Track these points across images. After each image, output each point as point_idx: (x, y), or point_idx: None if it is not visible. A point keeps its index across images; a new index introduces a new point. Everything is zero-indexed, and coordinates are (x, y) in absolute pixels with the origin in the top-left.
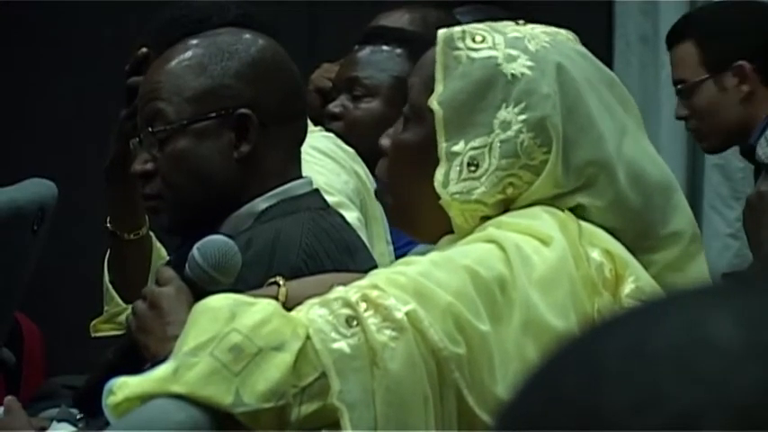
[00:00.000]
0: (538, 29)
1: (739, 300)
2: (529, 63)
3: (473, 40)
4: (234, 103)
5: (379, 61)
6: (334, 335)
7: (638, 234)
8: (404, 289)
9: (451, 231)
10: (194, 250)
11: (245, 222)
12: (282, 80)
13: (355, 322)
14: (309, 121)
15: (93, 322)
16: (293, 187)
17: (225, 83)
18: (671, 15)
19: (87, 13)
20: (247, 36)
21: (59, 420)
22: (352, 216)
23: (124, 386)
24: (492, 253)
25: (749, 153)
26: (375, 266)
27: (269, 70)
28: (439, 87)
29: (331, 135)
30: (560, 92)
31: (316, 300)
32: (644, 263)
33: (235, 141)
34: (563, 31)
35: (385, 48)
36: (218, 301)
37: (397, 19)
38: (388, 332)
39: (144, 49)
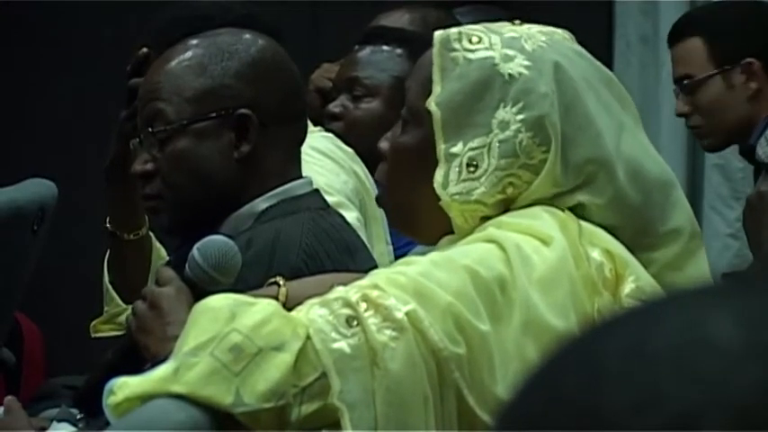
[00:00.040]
0: (534, 28)
1: (739, 300)
2: (526, 63)
3: (470, 41)
4: (234, 103)
5: (379, 61)
6: (334, 335)
7: (638, 231)
8: (404, 289)
9: (452, 232)
10: (194, 250)
11: (245, 222)
12: (282, 80)
13: (355, 322)
14: (309, 121)
15: (93, 323)
16: (293, 187)
17: (225, 83)
18: (671, 15)
19: (87, 13)
20: (247, 36)
21: (59, 420)
22: (351, 216)
23: (124, 386)
24: (492, 253)
25: (749, 153)
26: (375, 266)
27: (269, 70)
28: (436, 89)
29: (330, 135)
30: (558, 91)
31: (316, 300)
32: (644, 261)
33: (235, 141)
34: (559, 31)
35: (385, 48)
36: (219, 302)
37: (397, 19)
38: (388, 332)
39: (145, 50)
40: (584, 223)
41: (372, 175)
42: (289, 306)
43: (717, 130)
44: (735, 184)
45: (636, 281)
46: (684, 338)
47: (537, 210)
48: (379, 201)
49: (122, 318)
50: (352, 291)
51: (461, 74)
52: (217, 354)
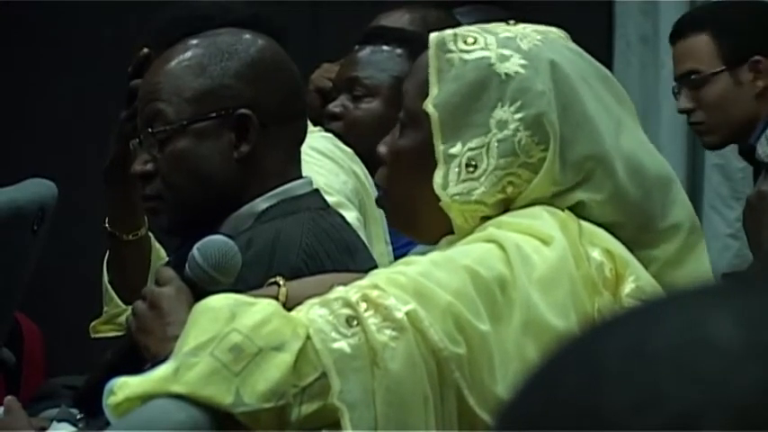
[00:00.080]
0: (529, 28)
1: (739, 300)
2: (522, 62)
3: (465, 43)
4: (234, 103)
5: (379, 61)
6: (334, 335)
7: (639, 228)
8: (404, 289)
9: (452, 233)
10: (194, 250)
11: (245, 222)
12: (282, 80)
13: (355, 322)
14: (309, 121)
15: (93, 323)
16: (293, 187)
17: (224, 83)
18: (671, 15)
19: (87, 13)
20: (247, 36)
21: (59, 420)
22: (351, 216)
23: (125, 386)
24: (492, 253)
25: (749, 153)
26: (375, 266)
27: (268, 70)
28: (433, 90)
29: (329, 135)
30: (555, 89)
31: (316, 300)
32: (644, 259)
33: (235, 141)
34: (554, 30)
35: (385, 48)
36: (219, 302)
37: (397, 19)
38: (388, 332)
39: (146, 50)
40: (584, 223)
41: (372, 175)
42: (289, 306)
43: (721, 127)
44: (735, 184)
45: (636, 280)
46: (684, 338)
47: (537, 210)
48: (378, 202)
49: (122, 318)
50: (352, 291)
51: (458, 75)
52: (217, 354)
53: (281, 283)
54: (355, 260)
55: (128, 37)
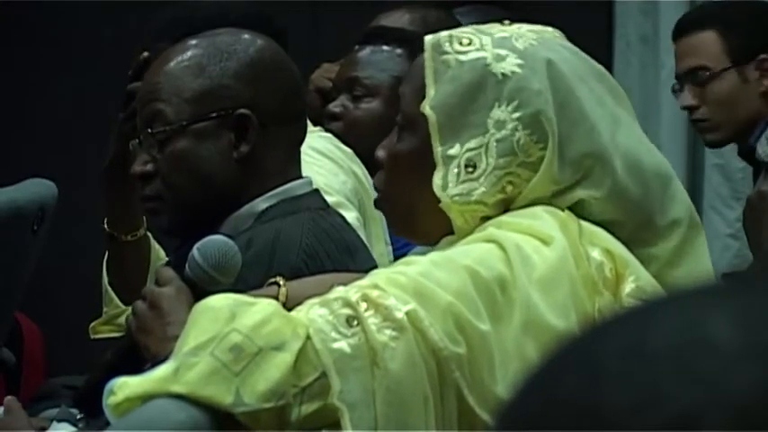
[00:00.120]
0: (524, 28)
1: (739, 300)
2: (518, 61)
3: (460, 44)
4: (233, 103)
5: (379, 61)
6: (334, 335)
7: (638, 225)
8: (404, 289)
9: (452, 234)
10: (194, 250)
11: (245, 222)
12: (282, 80)
13: (356, 322)
14: (309, 121)
15: (93, 324)
16: (293, 187)
17: (224, 83)
18: (671, 15)
19: (87, 13)
20: (246, 36)
21: (59, 420)
22: (350, 216)
23: (125, 386)
24: (492, 253)
25: (748, 153)
26: (375, 266)
27: (268, 70)
28: (430, 92)
29: (329, 135)
30: (552, 87)
31: (316, 300)
32: (644, 258)
33: (234, 142)
34: (549, 29)
35: (385, 48)
36: (219, 301)
37: (397, 19)
38: (388, 332)
39: (145, 54)
40: (584, 223)
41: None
42: (289, 306)
43: (724, 125)
44: (735, 184)
45: (636, 280)
46: (684, 338)
47: (537, 210)
48: (377, 205)
49: (121, 319)
50: (352, 291)
51: (454, 76)
52: (217, 354)
53: (281, 283)
54: (355, 260)
55: (128, 37)
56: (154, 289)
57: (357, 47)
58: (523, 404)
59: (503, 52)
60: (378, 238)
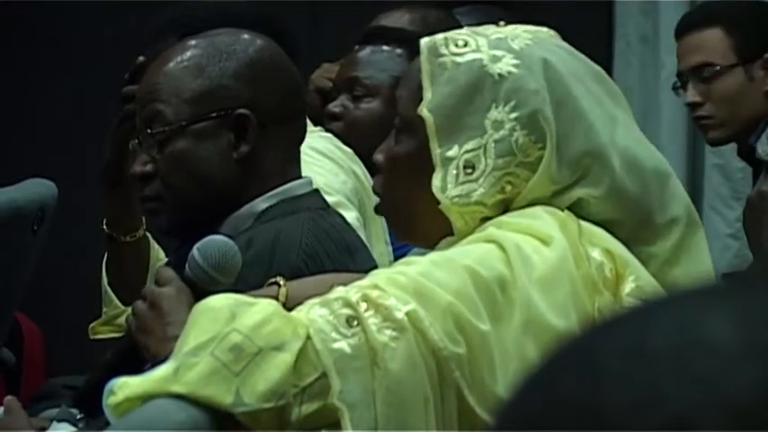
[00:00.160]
0: (519, 28)
1: (738, 300)
2: (514, 61)
3: (456, 46)
4: (232, 103)
5: (379, 61)
6: (334, 335)
7: (638, 223)
8: (404, 289)
9: (451, 236)
10: (194, 250)
11: (245, 222)
12: (281, 80)
13: (356, 322)
14: (309, 121)
15: (92, 325)
16: (293, 187)
17: (223, 83)
18: (671, 15)
19: (87, 13)
20: (245, 36)
21: (59, 420)
22: (350, 216)
23: (125, 386)
24: (492, 253)
25: (748, 154)
26: (375, 266)
27: (267, 70)
28: (427, 95)
29: (329, 135)
30: (548, 87)
31: (316, 300)
32: (644, 256)
33: (234, 142)
34: (544, 29)
35: (385, 48)
36: (219, 302)
37: (397, 19)
38: (388, 332)
39: (141, 58)
40: (584, 223)
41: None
42: (289, 306)
43: (728, 122)
44: (735, 184)
45: (636, 280)
46: (684, 338)
47: (537, 210)
48: (377, 210)
49: (121, 319)
50: (352, 291)
51: (451, 78)
52: (217, 354)
53: (282, 283)
54: (355, 260)
55: (128, 37)
56: (154, 289)
57: (357, 47)
58: (523, 404)
59: (499, 53)
60: (378, 238)
